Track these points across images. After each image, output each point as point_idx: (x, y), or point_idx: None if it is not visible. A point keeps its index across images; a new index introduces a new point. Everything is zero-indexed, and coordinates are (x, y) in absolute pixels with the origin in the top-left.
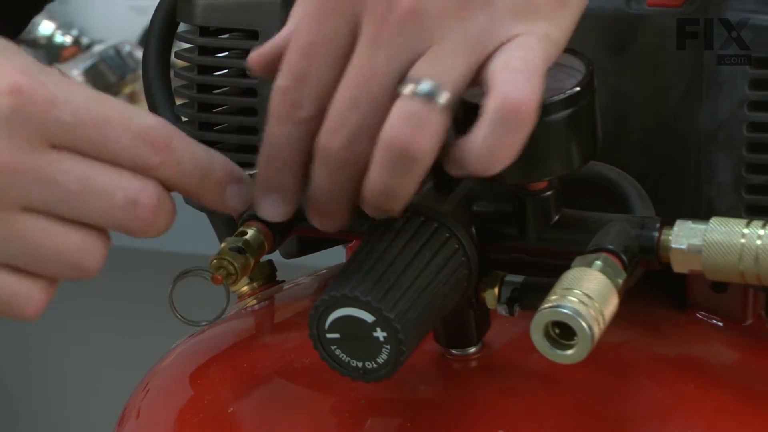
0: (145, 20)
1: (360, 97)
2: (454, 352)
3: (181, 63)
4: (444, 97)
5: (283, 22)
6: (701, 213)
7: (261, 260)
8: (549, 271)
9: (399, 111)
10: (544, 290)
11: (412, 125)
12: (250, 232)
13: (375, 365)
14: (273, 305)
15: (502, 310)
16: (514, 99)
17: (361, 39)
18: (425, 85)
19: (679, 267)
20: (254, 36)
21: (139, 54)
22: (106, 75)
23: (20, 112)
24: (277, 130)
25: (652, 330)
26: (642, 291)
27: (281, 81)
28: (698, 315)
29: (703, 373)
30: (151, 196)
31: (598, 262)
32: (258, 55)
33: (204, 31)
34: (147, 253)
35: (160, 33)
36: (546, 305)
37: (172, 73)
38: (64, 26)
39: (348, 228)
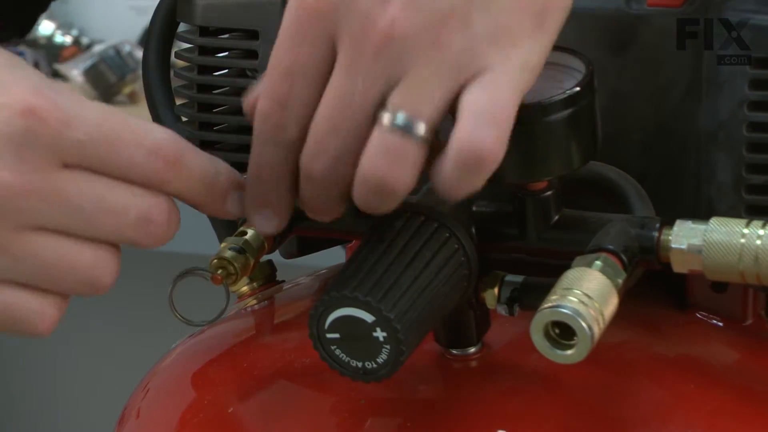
0: (145, 20)
1: (340, 122)
2: (454, 352)
3: (181, 63)
4: (421, 129)
5: None
6: (701, 213)
7: (261, 260)
8: (549, 271)
9: (376, 143)
10: (544, 290)
11: (390, 160)
12: (250, 232)
13: (375, 365)
14: (273, 305)
15: (502, 310)
16: (476, 146)
17: (338, 63)
18: (402, 117)
19: (679, 267)
20: (254, 36)
21: (139, 54)
22: (106, 75)
23: (33, 134)
24: (263, 152)
25: (652, 330)
26: (642, 291)
27: (263, 105)
28: (698, 315)
29: (703, 373)
30: (163, 212)
31: (598, 262)
32: (252, 97)
33: (204, 31)
34: (147, 253)
35: (160, 33)
36: (546, 305)
37: (172, 73)
38: (64, 26)
39: (348, 226)
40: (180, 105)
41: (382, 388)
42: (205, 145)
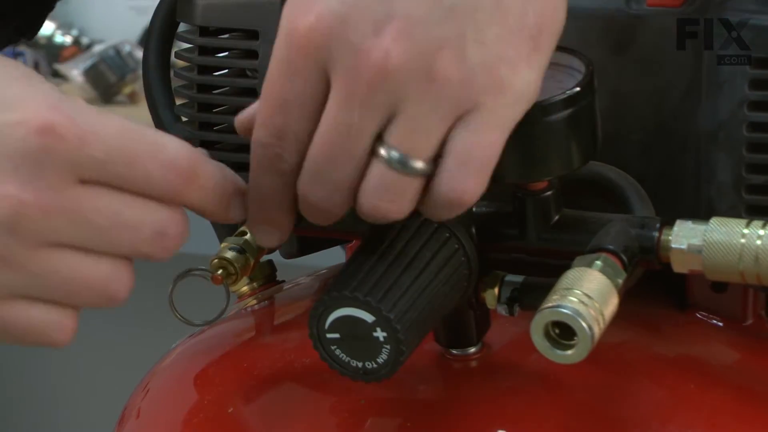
0: (145, 20)
1: (337, 154)
2: (454, 352)
3: (181, 63)
4: (419, 165)
5: None
6: (701, 213)
7: (261, 260)
8: (549, 271)
9: (375, 180)
10: (544, 290)
11: (389, 196)
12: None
13: (375, 365)
14: (273, 305)
15: (502, 310)
16: (458, 191)
17: (333, 95)
18: (400, 156)
19: (679, 267)
20: (254, 36)
21: (139, 54)
22: (106, 75)
23: (50, 151)
24: (262, 179)
25: (652, 330)
26: (642, 291)
27: (260, 135)
28: (698, 315)
29: (703, 373)
30: (178, 225)
31: (598, 262)
32: (245, 117)
33: (204, 31)
34: None
35: (160, 33)
36: (546, 305)
37: (172, 73)
38: (64, 26)
39: (348, 227)
40: (180, 105)
41: (382, 388)
42: (205, 145)
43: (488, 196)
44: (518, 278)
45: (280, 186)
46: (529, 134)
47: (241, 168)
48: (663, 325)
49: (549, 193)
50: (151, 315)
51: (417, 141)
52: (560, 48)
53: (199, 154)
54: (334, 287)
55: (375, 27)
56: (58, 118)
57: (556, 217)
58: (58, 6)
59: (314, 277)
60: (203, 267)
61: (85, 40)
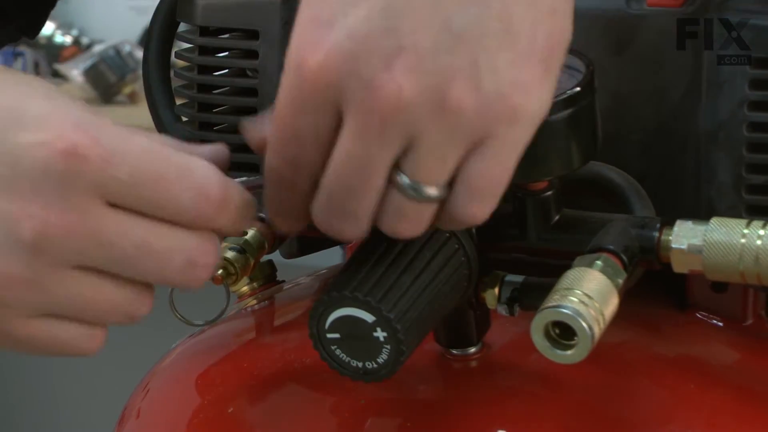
0: (145, 20)
1: (352, 185)
2: (454, 352)
3: (181, 63)
4: (435, 192)
5: (283, 21)
6: (701, 213)
7: (261, 260)
8: (549, 271)
9: (393, 208)
10: (544, 290)
11: (407, 222)
12: (251, 232)
13: (375, 365)
14: (273, 305)
15: (502, 310)
16: (468, 216)
17: (347, 129)
18: (417, 185)
19: (679, 267)
20: (254, 36)
21: (139, 54)
22: (106, 75)
23: (75, 173)
24: (277, 196)
25: (652, 330)
26: (642, 291)
27: (274, 163)
28: (698, 315)
29: (703, 373)
30: (209, 254)
31: (599, 262)
32: (259, 136)
33: (204, 31)
34: None
35: (160, 33)
36: (546, 305)
37: (172, 73)
38: (64, 26)
39: None
40: (180, 105)
41: (382, 388)
42: None
43: None
44: (518, 278)
45: (297, 203)
46: None
47: (242, 168)
48: (663, 325)
49: (549, 193)
50: (151, 315)
51: (432, 170)
52: None
53: (227, 179)
54: (334, 287)
55: (385, 61)
56: (81, 139)
57: (557, 217)
58: (58, 6)
59: (314, 277)
60: None
61: (85, 40)
